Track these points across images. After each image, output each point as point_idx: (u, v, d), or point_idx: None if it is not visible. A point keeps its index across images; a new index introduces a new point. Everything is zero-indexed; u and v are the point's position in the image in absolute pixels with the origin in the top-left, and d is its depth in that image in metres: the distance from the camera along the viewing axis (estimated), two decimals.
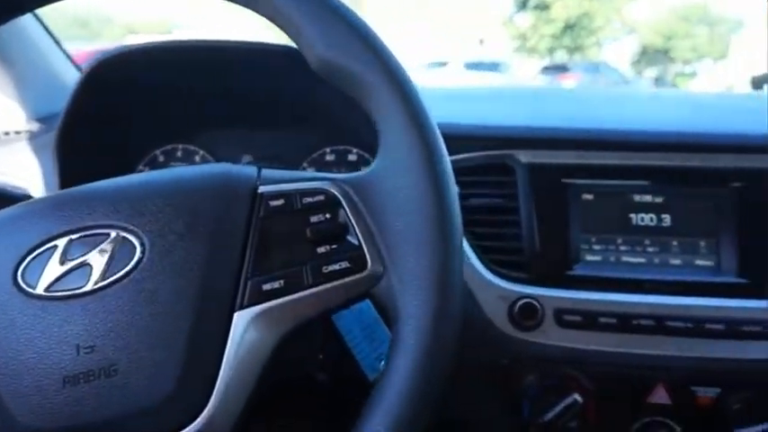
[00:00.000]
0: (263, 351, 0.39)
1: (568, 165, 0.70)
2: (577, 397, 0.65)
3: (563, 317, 0.66)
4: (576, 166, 0.70)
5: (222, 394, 0.38)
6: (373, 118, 0.42)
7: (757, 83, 10.37)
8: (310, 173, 0.43)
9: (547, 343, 0.66)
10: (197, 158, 0.88)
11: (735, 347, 0.64)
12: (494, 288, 0.68)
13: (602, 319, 0.65)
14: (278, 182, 0.42)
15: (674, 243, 0.68)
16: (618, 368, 0.65)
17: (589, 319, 0.65)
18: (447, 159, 0.41)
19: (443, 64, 12.94)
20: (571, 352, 0.66)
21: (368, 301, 0.66)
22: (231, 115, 0.85)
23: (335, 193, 0.42)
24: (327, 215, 0.41)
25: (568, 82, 10.88)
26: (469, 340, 0.69)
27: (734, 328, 0.63)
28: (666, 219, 0.69)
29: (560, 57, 19.16)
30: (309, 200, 0.41)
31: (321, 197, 0.41)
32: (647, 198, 0.70)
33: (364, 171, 0.43)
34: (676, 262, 0.68)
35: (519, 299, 0.66)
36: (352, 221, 0.41)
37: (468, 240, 0.70)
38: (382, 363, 0.62)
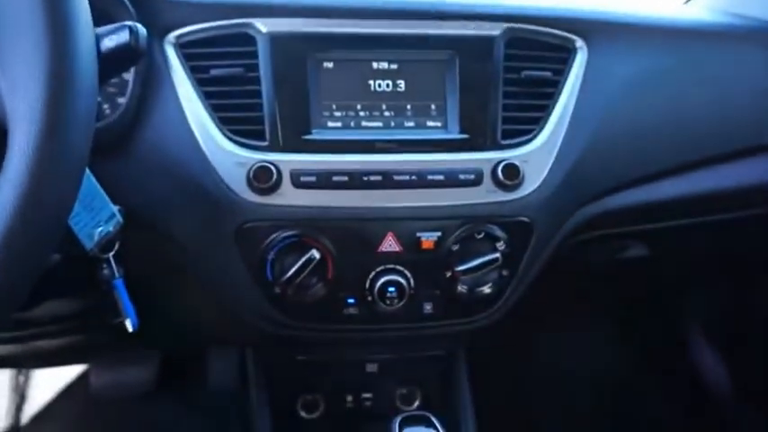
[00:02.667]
0: None
1: (308, 34, 0.71)
2: (315, 253, 0.67)
3: (299, 178, 0.67)
4: (316, 35, 0.71)
5: None
6: None
7: None
8: None
9: (285, 204, 0.67)
10: None
11: (452, 195, 0.70)
12: (232, 156, 0.67)
13: (336, 178, 0.68)
14: None
15: (408, 107, 0.72)
16: (351, 222, 0.69)
17: (323, 179, 0.68)
18: None
19: None
20: (308, 211, 0.68)
21: (87, 172, 0.63)
22: None
23: None
24: None
25: None
26: (211, 207, 0.69)
27: (451, 178, 0.70)
28: (401, 84, 0.72)
29: None
30: None
31: None
32: (384, 65, 0.72)
33: None
34: (410, 124, 0.72)
35: (256, 164, 0.67)
36: None
37: (207, 111, 0.69)
38: (99, 229, 0.60)
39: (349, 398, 0.93)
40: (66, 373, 1.47)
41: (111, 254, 0.61)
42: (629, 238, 0.94)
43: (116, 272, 0.61)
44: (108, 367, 1.33)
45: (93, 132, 0.44)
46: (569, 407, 1.52)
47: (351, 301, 0.71)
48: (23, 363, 1.37)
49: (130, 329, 0.62)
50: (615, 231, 0.87)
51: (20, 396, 1.39)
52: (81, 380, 1.46)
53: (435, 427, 0.63)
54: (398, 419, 0.64)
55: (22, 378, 1.40)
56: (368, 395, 0.93)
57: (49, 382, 1.47)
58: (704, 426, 1.41)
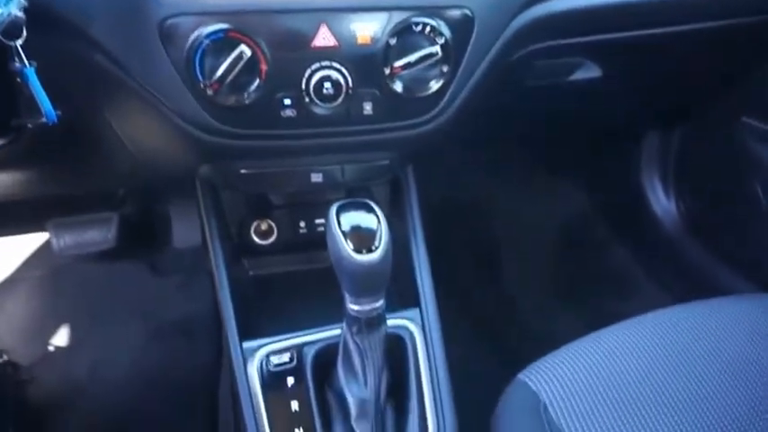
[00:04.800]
0: None
1: None
2: (245, 48, 0.64)
3: None
4: None
5: None
6: None
7: None
8: None
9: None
10: None
11: None
12: None
13: None
14: None
15: None
16: (280, 14, 0.65)
17: None
18: None
19: None
20: (233, 3, 0.64)
21: None
22: None
23: None
24: None
25: None
26: (129, 3, 0.64)
27: None
28: None
29: None
30: None
31: None
32: None
33: None
34: None
35: None
36: None
37: None
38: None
39: (302, 224, 0.94)
40: (28, 242, 1.47)
41: (20, 42, 0.57)
42: (580, 55, 0.92)
43: (27, 62, 0.58)
44: (68, 230, 1.33)
45: None
46: (528, 254, 1.59)
47: (287, 101, 0.68)
48: None
49: (50, 121, 0.60)
50: (564, 42, 0.85)
51: None
52: (43, 247, 1.47)
53: (375, 214, 0.63)
54: (336, 205, 0.63)
55: None
56: (320, 221, 0.94)
57: (11, 253, 1.47)
58: (656, 262, 1.49)
